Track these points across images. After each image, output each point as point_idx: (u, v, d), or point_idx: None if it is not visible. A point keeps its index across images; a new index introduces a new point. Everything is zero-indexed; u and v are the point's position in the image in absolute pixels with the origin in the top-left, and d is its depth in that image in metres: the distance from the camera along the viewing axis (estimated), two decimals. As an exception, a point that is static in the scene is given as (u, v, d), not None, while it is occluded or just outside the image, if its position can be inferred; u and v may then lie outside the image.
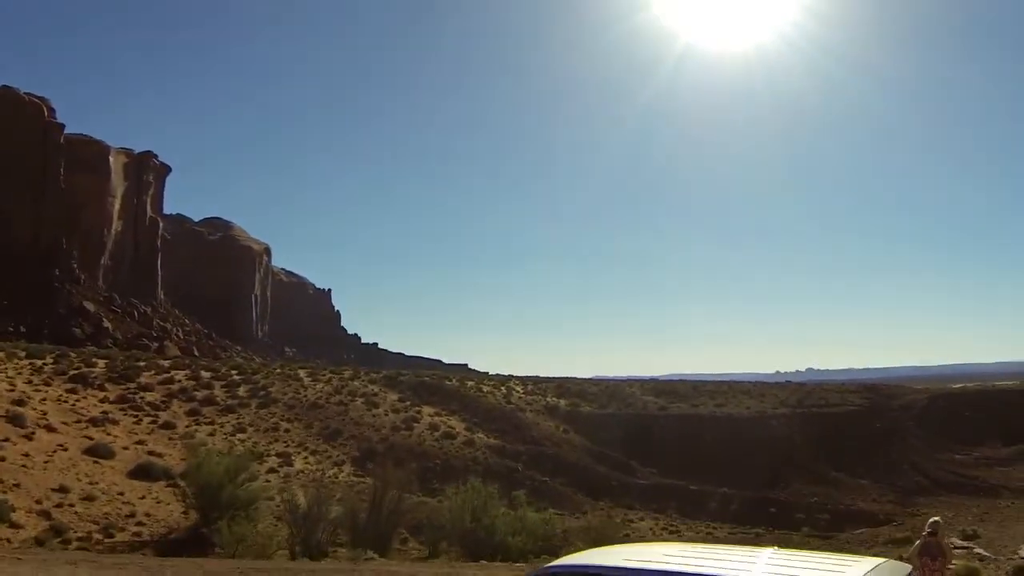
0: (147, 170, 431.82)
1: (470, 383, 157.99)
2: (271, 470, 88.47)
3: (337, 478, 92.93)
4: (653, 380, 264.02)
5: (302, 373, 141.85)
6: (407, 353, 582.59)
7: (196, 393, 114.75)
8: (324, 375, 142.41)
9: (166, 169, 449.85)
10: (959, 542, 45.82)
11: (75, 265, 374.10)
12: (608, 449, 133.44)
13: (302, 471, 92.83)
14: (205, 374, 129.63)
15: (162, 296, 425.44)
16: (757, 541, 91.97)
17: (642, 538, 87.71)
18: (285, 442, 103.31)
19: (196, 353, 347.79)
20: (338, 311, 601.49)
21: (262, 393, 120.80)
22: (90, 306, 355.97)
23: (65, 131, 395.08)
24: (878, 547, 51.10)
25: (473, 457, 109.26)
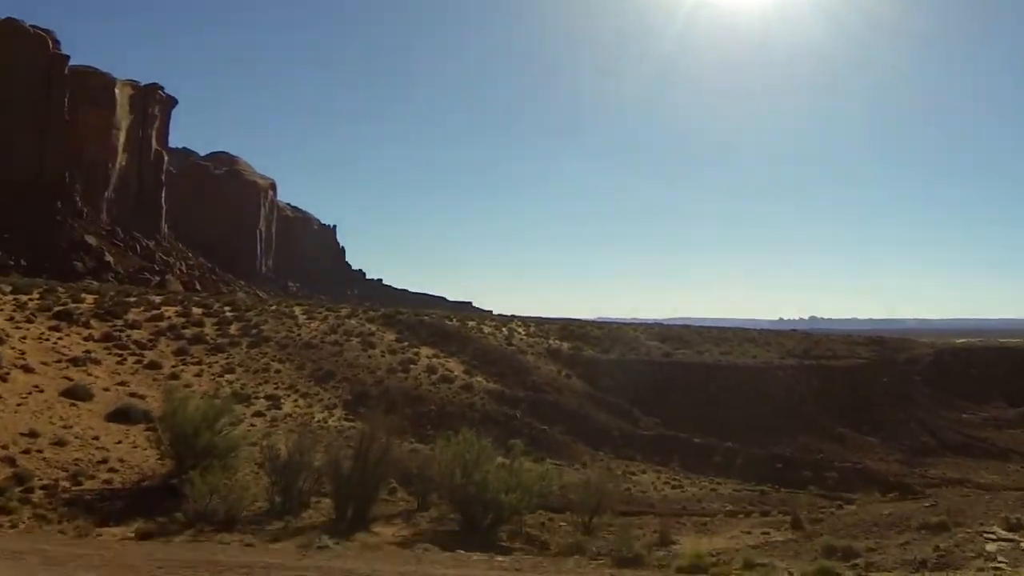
0: (153, 103, 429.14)
1: (471, 323, 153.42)
2: (258, 413, 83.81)
3: (327, 423, 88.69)
4: (657, 324, 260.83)
5: (297, 311, 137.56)
6: (412, 290, 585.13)
7: (185, 331, 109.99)
8: (320, 313, 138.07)
9: (172, 102, 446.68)
10: (1003, 533, 39.11)
11: (78, 199, 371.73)
12: (610, 396, 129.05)
13: (290, 415, 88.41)
14: (197, 310, 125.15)
15: (166, 230, 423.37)
16: (763, 499, 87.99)
17: (643, 493, 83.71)
18: (275, 384, 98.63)
19: (198, 287, 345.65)
20: (343, 247, 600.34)
21: (254, 331, 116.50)
22: (92, 240, 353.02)
23: (70, 63, 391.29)
24: (910, 532, 46.01)
25: (470, 403, 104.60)
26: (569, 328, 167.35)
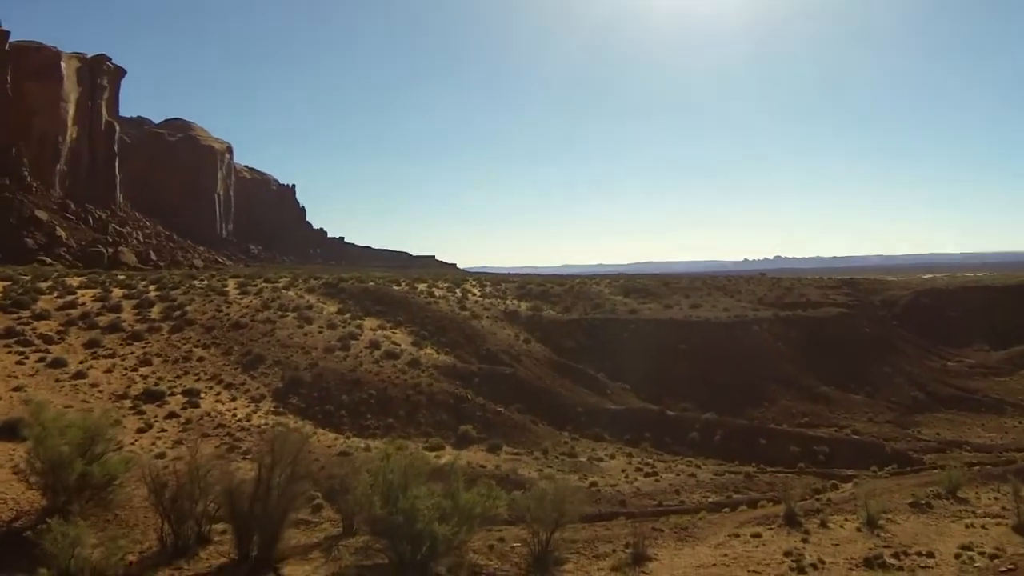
0: (101, 74, 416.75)
1: (421, 286, 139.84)
2: (171, 415, 72.01)
3: (250, 420, 76.32)
4: (622, 274, 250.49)
5: (231, 284, 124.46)
6: (374, 246, 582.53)
7: (100, 319, 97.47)
8: (255, 286, 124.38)
9: (121, 72, 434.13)
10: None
11: (27, 174, 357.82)
12: (573, 360, 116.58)
13: (209, 413, 75.87)
14: (117, 292, 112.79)
15: (121, 200, 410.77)
16: (749, 483, 75.34)
17: (613, 487, 70.95)
18: (197, 374, 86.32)
19: (154, 257, 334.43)
20: (303, 207, 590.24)
21: (177, 313, 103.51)
22: (42, 215, 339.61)
23: (13, 38, 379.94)
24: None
25: (416, 383, 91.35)
26: (528, 286, 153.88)
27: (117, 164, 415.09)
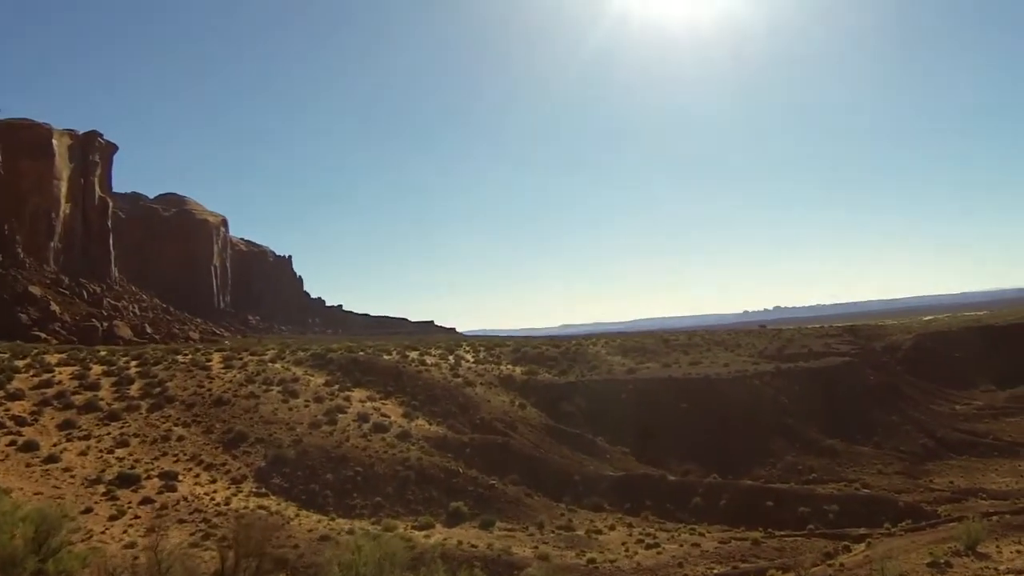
0: (93, 150, 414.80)
1: (412, 354, 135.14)
2: (146, 500, 69.37)
3: (229, 504, 72.77)
4: (620, 333, 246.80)
5: (215, 359, 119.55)
6: (372, 313, 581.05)
7: (76, 397, 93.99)
8: (240, 359, 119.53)
9: (113, 147, 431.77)
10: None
11: (20, 250, 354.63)
12: (570, 425, 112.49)
13: (186, 497, 72.48)
14: (96, 369, 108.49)
15: (116, 274, 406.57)
16: (756, 551, 70.59)
17: (612, 563, 66.29)
18: (175, 455, 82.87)
19: (149, 331, 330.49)
20: (300, 276, 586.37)
21: (157, 390, 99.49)
22: (36, 290, 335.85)
23: (3, 117, 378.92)
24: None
25: (404, 458, 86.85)
26: (523, 349, 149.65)
27: (111, 239, 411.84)
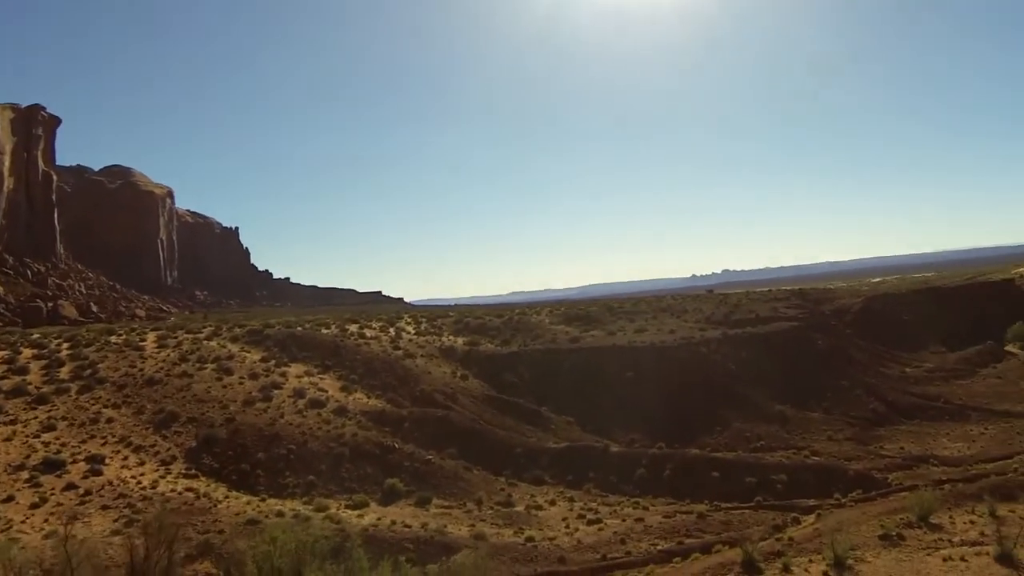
0: (35, 124, 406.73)
1: (352, 327, 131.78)
2: (70, 486, 66.73)
3: (155, 487, 69.46)
4: (566, 300, 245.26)
5: (150, 338, 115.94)
6: (320, 285, 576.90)
7: (3, 382, 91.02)
8: (176, 337, 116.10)
9: (56, 121, 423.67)
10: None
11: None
12: (513, 395, 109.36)
13: (111, 482, 69.38)
14: (27, 352, 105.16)
15: (62, 251, 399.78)
16: (701, 524, 68.00)
17: (551, 541, 63.47)
18: (104, 438, 79.35)
19: (95, 310, 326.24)
20: (247, 248, 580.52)
21: (88, 372, 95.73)
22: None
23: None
24: None
25: (339, 434, 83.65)
26: (465, 320, 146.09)
27: (56, 215, 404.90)
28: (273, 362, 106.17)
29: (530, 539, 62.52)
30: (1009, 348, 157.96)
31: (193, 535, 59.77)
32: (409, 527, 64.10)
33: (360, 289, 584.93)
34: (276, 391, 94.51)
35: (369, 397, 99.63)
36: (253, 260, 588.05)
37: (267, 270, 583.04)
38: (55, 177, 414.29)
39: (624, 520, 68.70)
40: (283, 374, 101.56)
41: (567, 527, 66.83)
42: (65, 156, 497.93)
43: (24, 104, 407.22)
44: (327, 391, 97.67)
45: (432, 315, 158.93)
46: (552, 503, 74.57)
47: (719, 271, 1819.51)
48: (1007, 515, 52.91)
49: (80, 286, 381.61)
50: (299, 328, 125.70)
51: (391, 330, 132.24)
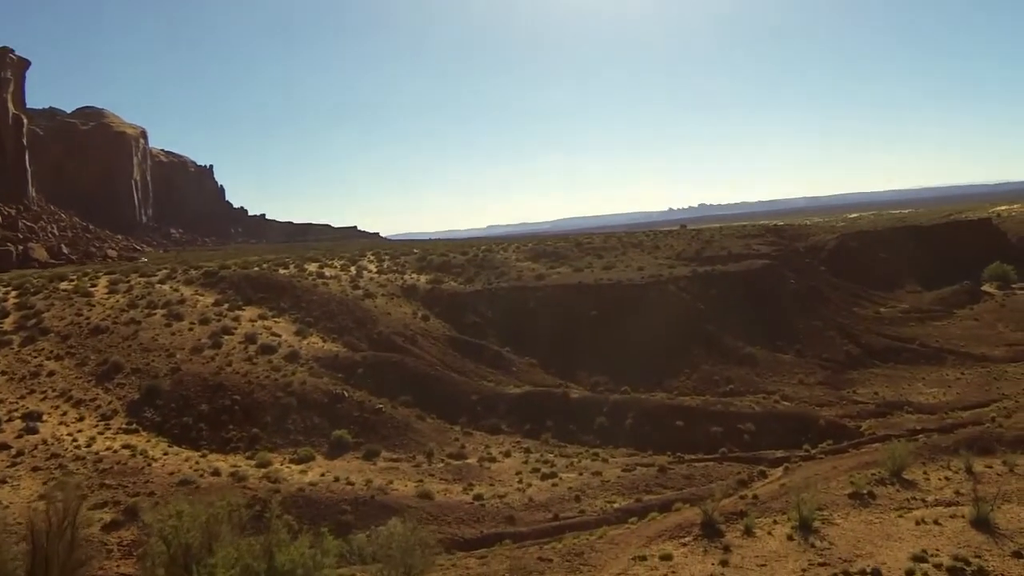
0: (4, 66, 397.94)
1: (312, 267, 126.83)
2: (2, 446, 62.91)
3: (91, 446, 65.42)
4: (541, 234, 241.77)
5: (101, 283, 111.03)
6: (296, 221, 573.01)
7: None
8: (127, 282, 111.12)
9: (25, 63, 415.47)
10: None
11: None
12: (476, 336, 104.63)
13: (46, 440, 65.36)
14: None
15: (34, 194, 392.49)
16: (662, 479, 63.71)
17: (500, 499, 59.24)
18: (43, 393, 75.25)
19: (66, 251, 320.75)
20: (222, 186, 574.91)
21: (32, 322, 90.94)
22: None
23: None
24: None
25: (287, 383, 78.77)
26: (428, 257, 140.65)
27: (27, 157, 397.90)
28: (226, 306, 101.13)
29: (479, 496, 58.00)
30: (986, 288, 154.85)
31: (122, 498, 55.74)
32: (352, 484, 59.85)
33: (336, 224, 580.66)
34: (226, 337, 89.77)
35: (324, 341, 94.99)
36: (229, 198, 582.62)
37: (242, 207, 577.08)
38: (25, 120, 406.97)
39: (581, 474, 64.13)
40: (236, 318, 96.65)
41: (520, 482, 62.32)
42: (37, 99, 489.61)
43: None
44: (280, 335, 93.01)
45: (396, 252, 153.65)
46: (507, 454, 69.98)
47: (695, 205, 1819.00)
48: (984, 471, 49.78)
49: (53, 228, 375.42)
50: (255, 269, 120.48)
51: (352, 269, 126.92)
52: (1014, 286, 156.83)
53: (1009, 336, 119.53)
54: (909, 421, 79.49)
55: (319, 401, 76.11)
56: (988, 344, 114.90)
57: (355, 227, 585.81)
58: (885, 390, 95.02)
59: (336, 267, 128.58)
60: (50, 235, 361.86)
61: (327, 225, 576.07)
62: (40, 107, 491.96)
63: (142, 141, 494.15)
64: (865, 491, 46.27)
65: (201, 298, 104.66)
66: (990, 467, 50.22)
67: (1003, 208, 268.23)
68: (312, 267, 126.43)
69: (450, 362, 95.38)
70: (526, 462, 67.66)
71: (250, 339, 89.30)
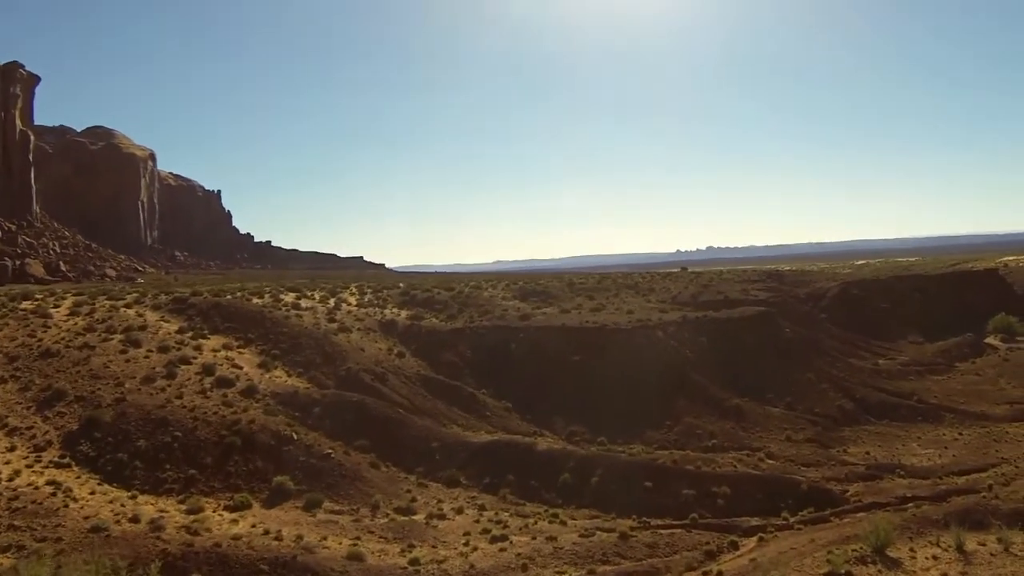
0: (13, 82, 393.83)
1: (288, 297, 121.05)
2: None
3: (13, 480, 60.95)
4: (541, 271, 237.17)
5: (65, 304, 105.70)
6: (301, 249, 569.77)
7: None
8: (92, 304, 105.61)
9: (35, 79, 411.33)
10: None
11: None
12: (452, 376, 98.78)
13: None
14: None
15: (38, 211, 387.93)
16: (622, 548, 57.27)
17: (441, 564, 52.91)
18: None
19: (63, 268, 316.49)
20: (229, 211, 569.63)
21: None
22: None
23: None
24: None
25: (235, 420, 72.64)
26: (412, 292, 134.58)
27: (33, 174, 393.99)
28: (190, 334, 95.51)
29: (415, 561, 51.71)
30: (990, 340, 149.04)
31: (28, 542, 50.24)
32: (280, 540, 53.87)
33: (342, 254, 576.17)
34: (183, 367, 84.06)
35: (289, 376, 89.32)
36: (236, 223, 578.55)
37: (249, 233, 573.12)
38: (32, 137, 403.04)
39: (534, 537, 57.86)
40: (198, 347, 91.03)
41: (466, 544, 56.19)
42: (48, 116, 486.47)
43: (1, 61, 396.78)
44: (242, 367, 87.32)
45: (380, 285, 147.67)
46: (459, 511, 63.86)
47: (704, 248, 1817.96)
48: (976, 549, 44.09)
49: (55, 245, 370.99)
50: (229, 296, 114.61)
51: (331, 301, 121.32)
52: (1019, 339, 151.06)
53: (1011, 393, 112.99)
54: (900, 486, 72.89)
55: (265, 443, 70.02)
56: (989, 401, 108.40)
57: (361, 257, 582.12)
58: (877, 450, 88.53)
59: (315, 298, 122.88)
60: (51, 252, 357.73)
61: (333, 254, 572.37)
62: (51, 124, 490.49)
63: (151, 163, 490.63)
64: (843, 571, 41.08)
65: (165, 324, 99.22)
66: (983, 544, 44.80)
67: (1011, 259, 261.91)
68: (289, 297, 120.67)
69: (420, 403, 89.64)
70: (478, 521, 61.60)
71: (208, 370, 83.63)
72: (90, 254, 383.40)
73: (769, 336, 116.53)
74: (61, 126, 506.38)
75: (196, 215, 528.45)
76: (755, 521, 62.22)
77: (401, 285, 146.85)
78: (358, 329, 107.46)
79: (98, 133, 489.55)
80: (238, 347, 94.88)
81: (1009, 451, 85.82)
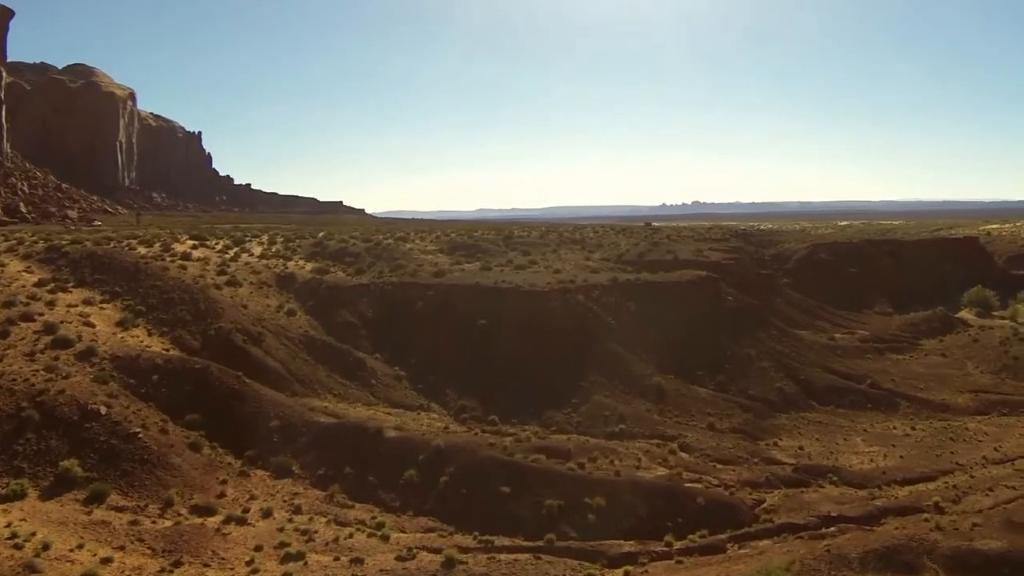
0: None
1: (180, 246, 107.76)
2: None
3: None
4: (524, 220, 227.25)
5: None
6: (281, 193, 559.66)
7: None
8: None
9: (9, 13, 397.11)
10: None
11: None
12: (345, 338, 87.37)
13: None
14: None
15: (8, 149, 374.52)
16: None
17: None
18: None
19: (24, 210, 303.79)
20: (209, 153, 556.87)
21: None
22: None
23: None
24: None
25: (42, 389, 59.77)
26: (326, 243, 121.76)
27: (4, 111, 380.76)
28: (51, 286, 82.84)
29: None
30: (963, 314, 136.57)
31: None
32: (19, 548, 42.19)
33: (322, 198, 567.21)
34: (22, 324, 71.38)
35: (150, 335, 77.14)
36: (216, 166, 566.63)
37: (228, 175, 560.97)
38: (4, 72, 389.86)
39: (337, 558, 45.11)
40: (51, 302, 78.38)
41: (249, 563, 43.87)
42: (28, 53, 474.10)
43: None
44: (95, 326, 74.64)
45: (293, 235, 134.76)
46: (268, 514, 51.21)
47: (689, 202, 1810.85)
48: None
49: (23, 185, 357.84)
50: (108, 245, 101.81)
51: (232, 251, 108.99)
52: (995, 314, 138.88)
53: (977, 380, 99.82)
54: (826, 499, 58.70)
55: (67, 418, 57.07)
56: (952, 388, 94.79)
57: (341, 202, 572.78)
58: (814, 444, 74.35)
59: (214, 248, 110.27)
60: (18, 192, 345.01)
61: (313, 198, 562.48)
62: (31, 61, 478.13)
63: (130, 103, 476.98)
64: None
65: (26, 275, 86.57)
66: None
67: (994, 226, 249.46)
68: (185, 246, 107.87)
69: (297, 369, 77.64)
70: (282, 529, 48.93)
71: (49, 329, 70.87)
72: (59, 195, 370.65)
73: (709, 304, 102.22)
74: (42, 63, 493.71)
75: (175, 157, 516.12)
76: (628, 546, 48.68)
77: (322, 234, 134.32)
78: (250, 283, 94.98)
79: (79, 71, 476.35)
80: (101, 302, 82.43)
81: (966, 453, 72.03)
